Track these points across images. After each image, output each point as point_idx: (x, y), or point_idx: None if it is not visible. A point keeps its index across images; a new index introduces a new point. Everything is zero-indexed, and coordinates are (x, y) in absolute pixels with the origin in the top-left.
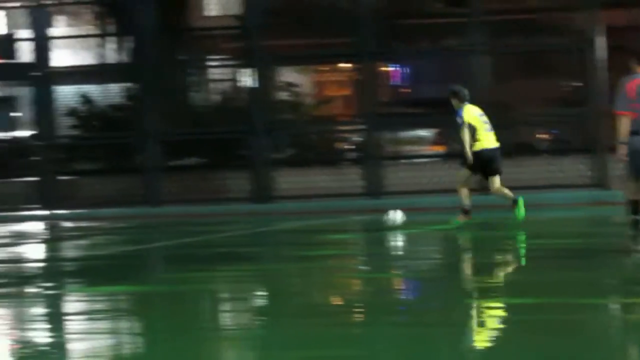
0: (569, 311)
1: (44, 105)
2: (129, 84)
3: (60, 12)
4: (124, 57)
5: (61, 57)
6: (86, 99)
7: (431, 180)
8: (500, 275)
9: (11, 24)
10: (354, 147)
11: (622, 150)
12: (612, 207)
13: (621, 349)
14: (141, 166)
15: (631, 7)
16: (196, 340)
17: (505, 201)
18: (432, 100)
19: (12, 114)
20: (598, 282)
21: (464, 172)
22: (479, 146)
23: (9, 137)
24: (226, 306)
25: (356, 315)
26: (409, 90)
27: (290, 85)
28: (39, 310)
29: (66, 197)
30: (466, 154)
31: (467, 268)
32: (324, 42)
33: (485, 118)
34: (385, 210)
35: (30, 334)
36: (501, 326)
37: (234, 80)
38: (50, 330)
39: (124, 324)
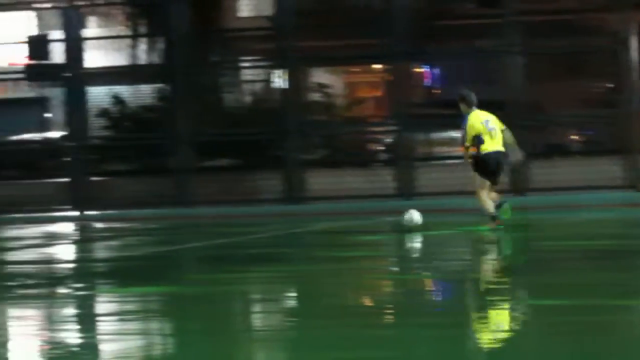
0: (602, 312)
1: (75, 106)
2: (160, 85)
3: (92, 13)
4: (156, 58)
5: (93, 58)
6: (118, 100)
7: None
8: (532, 276)
9: (43, 25)
10: (385, 148)
11: None
12: None
13: None
14: (173, 167)
15: None
16: (228, 341)
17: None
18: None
19: (44, 115)
20: (631, 283)
21: (479, 180)
22: (483, 149)
23: (40, 138)
24: (257, 307)
25: (388, 317)
26: (441, 91)
27: (322, 86)
28: (70, 311)
29: (97, 198)
30: (465, 157)
31: (498, 269)
32: (356, 43)
33: (491, 124)
34: (423, 212)
35: (62, 334)
36: (534, 328)
37: (265, 81)
38: (82, 331)
39: (155, 325)
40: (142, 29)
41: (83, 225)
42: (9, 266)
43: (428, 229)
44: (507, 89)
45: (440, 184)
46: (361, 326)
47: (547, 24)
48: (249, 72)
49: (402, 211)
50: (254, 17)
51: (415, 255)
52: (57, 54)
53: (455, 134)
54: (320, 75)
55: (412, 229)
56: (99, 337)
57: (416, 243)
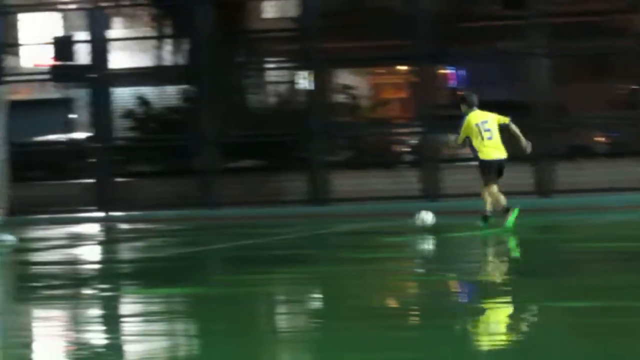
0: (628, 314)
1: (100, 107)
2: (185, 86)
3: (117, 14)
4: (181, 59)
5: (118, 59)
6: (143, 101)
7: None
8: (557, 278)
9: (68, 26)
10: (410, 149)
11: None
12: None
13: None
14: (198, 168)
15: None
16: (252, 342)
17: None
18: (489, 103)
19: (69, 116)
20: None
21: (486, 185)
22: (482, 156)
23: (66, 139)
24: (282, 309)
25: (412, 318)
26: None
27: (346, 87)
28: (95, 311)
29: (122, 199)
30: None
31: (522, 271)
32: (381, 45)
33: (488, 125)
34: (443, 213)
35: (87, 335)
36: (558, 330)
37: (290, 82)
38: (107, 332)
39: (179, 326)
40: (167, 30)
41: (108, 226)
42: (34, 267)
43: (453, 230)
44: (532, 91)
45: (465, 186)
46: (386, 328)
47: (572, 25)
48: (274, 73)
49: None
50: (278, 18)
51: (440, 256)
52: (82, 55)
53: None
54: (344, 77)
55: (437, 230)
56: (123, 338)
57: (440, 245)
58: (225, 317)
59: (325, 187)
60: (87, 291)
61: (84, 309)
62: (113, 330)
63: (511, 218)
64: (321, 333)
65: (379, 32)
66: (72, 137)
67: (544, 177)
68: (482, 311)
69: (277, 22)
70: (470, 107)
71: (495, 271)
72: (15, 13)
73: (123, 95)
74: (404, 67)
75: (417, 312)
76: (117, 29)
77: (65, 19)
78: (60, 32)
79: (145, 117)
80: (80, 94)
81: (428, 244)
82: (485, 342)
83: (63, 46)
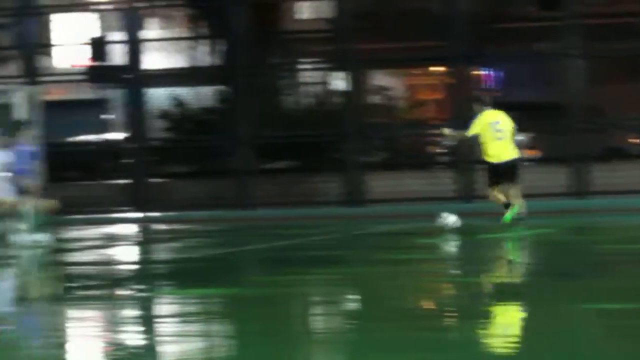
0: None
1: (136, 108)
2: (220, 87)
3: (153, 15)
4: (216, 60)
5: (153, 59)
6: (178, 102)
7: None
8: (594, 279)
9: (104, 27)
10: (446, 150)
11: None
12: None
13: None
14: (233, 169)
15: None
16: (288, 343)
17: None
18: (525, 104)
19: (104, 117)
20: None
21: (491, 187)
22: (489, 159)
23: (101, 140)
24: (317, 309)
25: (447, 320)
26: (502, 94)
27: (382, 88)
28: (131, 312)
29: (157, 200)
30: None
31: (558, 272)
32: (416, 46)
33: (500, 126)
34: (478, 215)
35: (123, 336)
36: (598, 332)
37: (325, 83)
38: (142, 332)
39: (215, 327)
40: (203, 31)
41: (143, 227)
42: (70, 267)
43: (488, 231)
44: (567, 92)
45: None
46: (420, 329)
47: (607, 26)
48: (309, 74)
49: (462, 214)
50: (314, 19)
51: (473, 258)
52: (118, 55)
53: (515, 137)
54: (380, 78)
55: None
56: (159, 338)
57: (475, 246)
58: (260, 318)
59: (360, 188)
60: (122, 292)
61: (120, 310)
62: (148, 331)
63: (508, 215)
64: (356, 334)
65: (414, 33)
66: (107, 138)
67: (579, 178)
68: (516, 313)
69: (312, 23)
70: (484, 107)
71: (529, 273)
72: (49, 14)
73: (158, 96)
74: (439, 68)
75: (451, 314)
76: (152, 30)
77: (101, 19)
78: (95, 33)
79: (180, 117)
80: (115, 95)
81: (462, 246)
82: (520, 344)
83: (99, 47)
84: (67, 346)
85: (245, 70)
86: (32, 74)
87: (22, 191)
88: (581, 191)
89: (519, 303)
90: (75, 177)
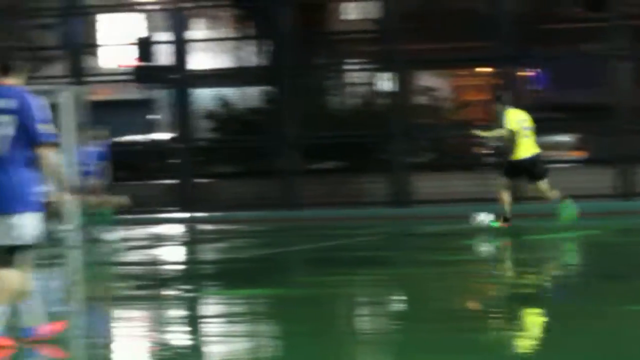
0: None
1: (182, 108)
2: (267, 87)
3: (199, 15)
4: (263, 60)
5: (199, 60)
6: (224, 102)
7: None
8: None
9: (150, 27)
10: (492, 151)
11: None
12: None
13: None
14: (279, 169)
15: None
16: (334, 343)
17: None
18: (571, 105)
19: (150, 117)
20: None
21: (504, 180)
22: (517, 155)
23: (147, 140)
24: (363, 310)
25: (493, 321)
26: (548, 95)
27: (428, 89)
28: (178, 312)
29: (204, 200)
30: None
31: (605, 274)
32: (462, 46)
33: (526, 124)
34: (524, 216)
35: (169, 336)
36: (632, 334)
37: (371, 84)
38: (189, 332)
39: (262, 328)
40: (249, 31)
41: (190, 227)
42: (117, 267)
43: (534, 233)
44: (614, 93)
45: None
46: (467, 330)
47: None
48: (355, 74)
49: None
50: (360, 19)
51: (519, 259)
52: (164, 55)
53: (562, 138)
54: (426, 79)
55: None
56: (206, 339)
57: (520, 247)
58: (307, 319)
59: (407, 189)
60: (169, 292)
61: (166, 310)
62: (195, 331)
63: (496, 223)
64: (401, 335)
65: (460, 34)
66: (153, 138)
67: (625, 179)
68: (563, 315)
69: (358, 23)
70: (505, 106)
71: (575, 274)
72: (95, 14)
73: (204, 96)
74: (486, 69)
75: (496, 315)
76: (198, 30)
77: (147, 19)
78: (141, 33)
79: (226, 118)
80: (161, 95)
81: (508, 247)
82: (566, 346)
83: (146, 47)
84: (114, 346)
85: (291, 71)
86: (78, 74)
87: (86, 191)
88: (628, 193)
89: (565, 304)
90: (121, 177)
